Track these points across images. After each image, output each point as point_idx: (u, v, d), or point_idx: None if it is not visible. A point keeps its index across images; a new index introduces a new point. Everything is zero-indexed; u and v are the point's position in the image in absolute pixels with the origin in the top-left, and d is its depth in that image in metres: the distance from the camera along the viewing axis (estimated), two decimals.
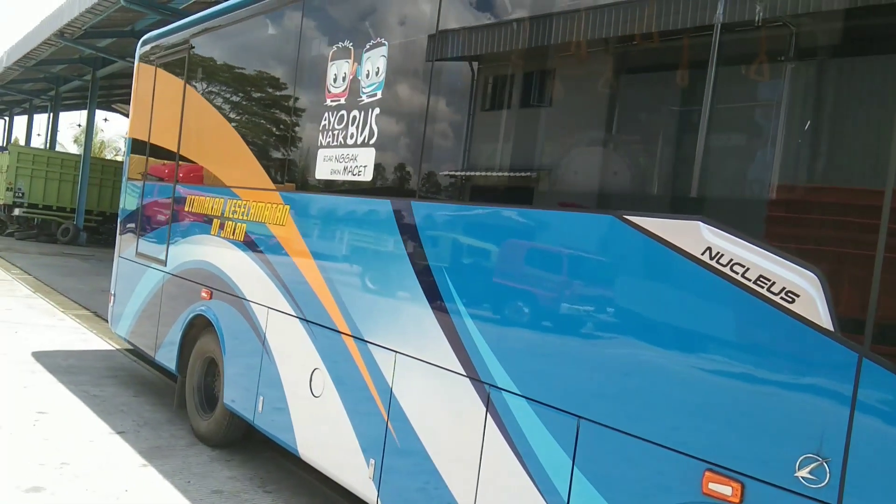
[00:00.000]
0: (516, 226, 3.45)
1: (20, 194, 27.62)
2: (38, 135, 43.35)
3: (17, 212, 27.92)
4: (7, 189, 27.41)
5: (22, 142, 38.20)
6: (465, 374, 3.56)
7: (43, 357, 8.49)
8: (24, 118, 40.40)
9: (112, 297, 7.99)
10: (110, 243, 27.58)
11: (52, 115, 34.24)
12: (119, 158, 50.79)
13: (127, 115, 40.52)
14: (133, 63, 22.89)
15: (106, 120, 43.47)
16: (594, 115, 3.37)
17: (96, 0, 17.37)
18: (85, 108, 40.55)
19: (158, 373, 8.39)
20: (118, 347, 9.60)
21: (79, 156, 30.45)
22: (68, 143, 53.95)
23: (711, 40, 2.76)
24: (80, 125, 52.51)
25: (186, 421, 6.51)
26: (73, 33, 20.62)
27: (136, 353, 9.32)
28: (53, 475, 5.03)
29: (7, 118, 42.28)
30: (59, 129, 34.81)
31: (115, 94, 33.07)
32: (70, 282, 15.87)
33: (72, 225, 27.05)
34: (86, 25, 19.78)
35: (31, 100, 35.71)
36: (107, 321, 11.44)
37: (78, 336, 10.05)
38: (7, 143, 40.75)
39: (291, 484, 5.44)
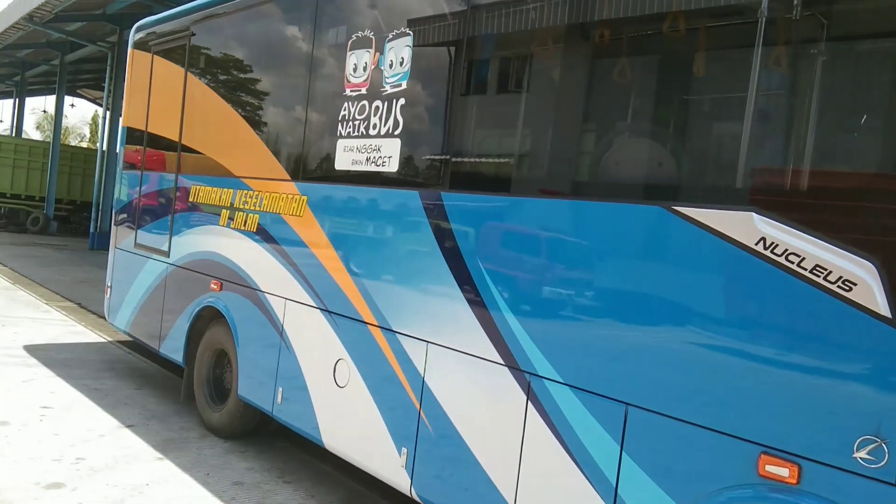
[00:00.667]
0: (555, 216, 3.49)
1: None
2: (1, 121, 42.25)
3: None
4: None
5: None
6: (503, 363, 3.60)
7: (36, 351, 8.36)
8: None
9: (108, 289, 7.88)
10: (82, 232, 27.27)
11: (17, 100, 33.38)
12: (84, 145, 49.73)
13: (93, 101, 39.41)
14: (104, 47, 22.33)
15: (73, 105, 42.40)
16: (639, 104, 3.42)
17: None
18: (49, 94, 39.68)
19: (157, 365, 8.32)
20: (110, 339, 9.49)
21: (47, 143, 29.81)
22: (30, 129, 52.75)
23: (756, 25, 2.81)
24: (44, 111, 51.34)
25: (194, 413, 6.48)
26: (43, 17, 20.09)
27: (130, 344, 9.23)
28: (70, 471, 4.98)
29: None
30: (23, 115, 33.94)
31: (80, 79, 32.35)
32: (48, 272, 15.59)
33: (41, 214, 26.52)
34: (57, 9, 19.27)
35: None
36: (93, 313, 11.34)
37: (67, 328, 9.90)
38: None
39: (310, 474, 5.45)
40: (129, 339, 9.52)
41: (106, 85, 22.21)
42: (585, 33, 3.56)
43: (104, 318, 10.88)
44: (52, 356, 8.17)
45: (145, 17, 21.98)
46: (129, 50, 7.74)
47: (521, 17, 3.85)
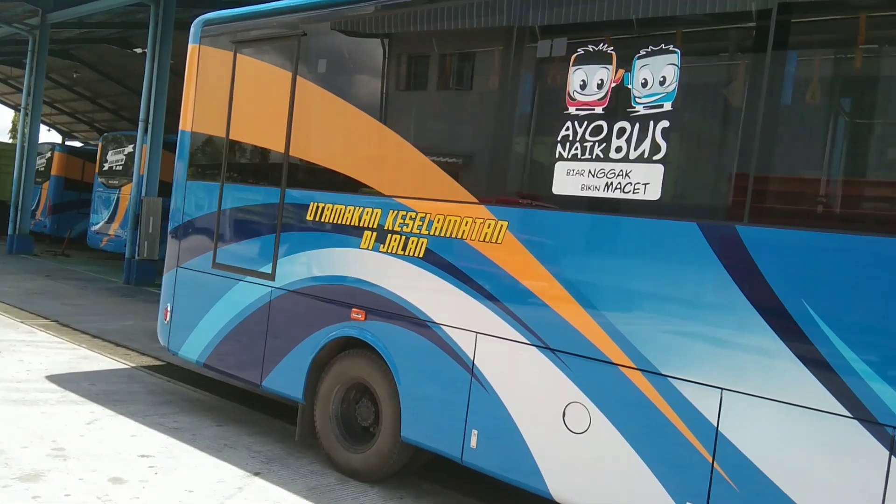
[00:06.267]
0: None
1: None
2: None
3: None
4: None
5: None
6: (850, 415, 3.36)
7: (65, 383, 7.35)
8: None
9: (167, 313, 7.00)
10: None
11: None
12: None
13: None
14: (22, 30, 20.15)
15: None
16: None
17: None
18: None
19: (210, 394, 7.54)
20: (133, 365, 8.52)
21: None
22: None
23: None
24: None
25: (310, 453, 5.86)
26: None
27: (161, 370, 8.40)
28: None
29: None
30: None
31: None
32: None
33: None
34: None
35: None
36: (81, 332, 10.16)
37: (73, 353, 8.79)
38: None
39: None
40: (155, 363, 8.68)
41: (27, 76, 20.03)
42: None
43: (99, 337, 9.90)
44: (89, 389, 7.21)
45: None
46: (193, 46, 6.89)
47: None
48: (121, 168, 18.02)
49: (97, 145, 20.48)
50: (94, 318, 11.21)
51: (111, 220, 17.92)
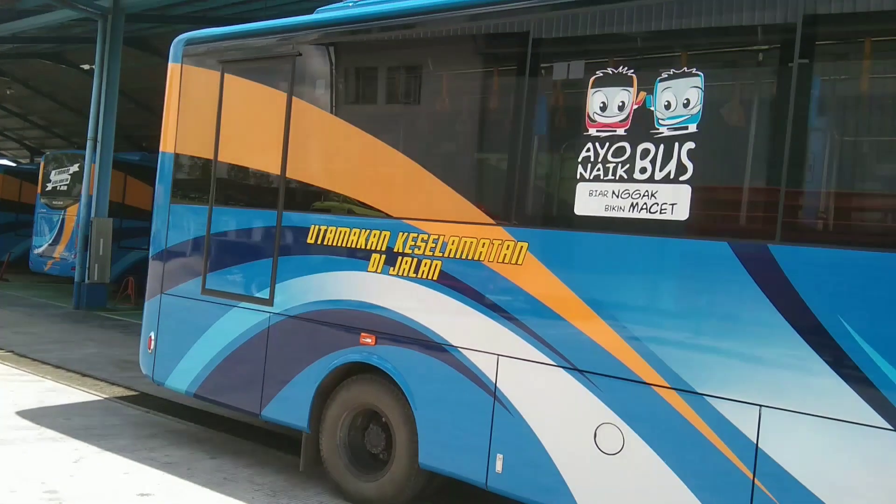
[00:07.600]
0: None
1: None
2: None
3: None
4: None
5: None
6: (891, 427, 3.46)
7: (38, 418, 6.98)
8: None
9: (151, 341, 6.71)
10: None
11: None
12: None
13: None
14: None
15: None
16: None
17: None
18: None
19: (193, 424, 7.25)
20: (106, 396, 8.14)
21: None
22: None
23: None
24: None
25: (312, 481, 5.70)
26: None
27: (136, 400, 8.06)
28: None
29: None
30: None
31: None
32: None
33: None
34: None
35: None
36: (37, 360, 9.66)
37: (39, 386, 8.36)
38: None
39: None
40: (128, 393, 8.32)
41: None
42: None
43: (62, 367, 9.44)
44: (66, 424, 6.86)
45: None
46: (175, 65, 6.67)
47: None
48: (65, 188, 17.31)
49: (32, 163, 19.61)
50: (52, 347, 10.70)
51: (56, 242, 17.17)
